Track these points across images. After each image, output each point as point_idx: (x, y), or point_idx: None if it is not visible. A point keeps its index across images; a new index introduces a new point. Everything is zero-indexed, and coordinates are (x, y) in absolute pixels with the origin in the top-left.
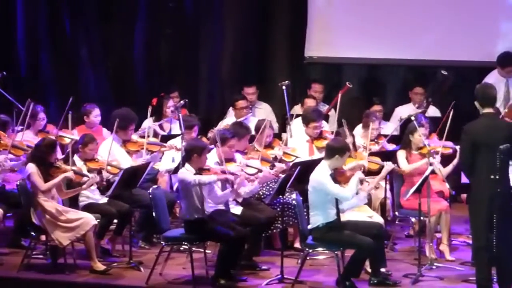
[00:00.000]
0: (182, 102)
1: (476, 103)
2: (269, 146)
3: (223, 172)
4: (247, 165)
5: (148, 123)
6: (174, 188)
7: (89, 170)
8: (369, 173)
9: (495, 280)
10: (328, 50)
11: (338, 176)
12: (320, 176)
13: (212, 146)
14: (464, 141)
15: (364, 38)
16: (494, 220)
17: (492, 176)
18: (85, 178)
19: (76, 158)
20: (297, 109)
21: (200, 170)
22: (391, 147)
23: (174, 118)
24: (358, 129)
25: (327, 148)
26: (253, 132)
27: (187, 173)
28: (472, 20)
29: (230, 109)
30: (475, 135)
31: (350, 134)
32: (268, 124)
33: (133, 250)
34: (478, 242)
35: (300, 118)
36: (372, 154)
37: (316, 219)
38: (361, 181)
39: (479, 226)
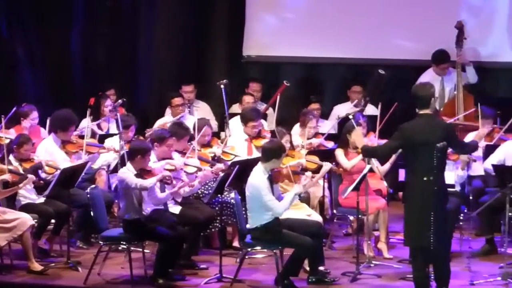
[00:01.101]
0: (120, 101)
1: (414, 103)
2: (207, 145)
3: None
4: (186, 164)
5: (86, 123)
6: (113, 187)
7: (25, 171)
8: (305, 170)
9: (432, 277)
10: (266, 49)
11: (275, 177)
12: (257, 182)
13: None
14: (394, 138)
15: (302, 37)
16: (432, 218)
17: (424, 178)
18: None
19: (11, 158)
20: (236, 108)
21: (141, 171)
22: (329, 145)
23: (111, 117)
24: (296, 128)
25: (263, 151)
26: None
27: (129, 174)
28: (409, 19)
29: (168, 108)
30: (412, 135)
31: (287, 133)
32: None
33: (71, 250)
34: (414, 242)
35: (238, 117)
36: (310, 153)
37: (255, 220)
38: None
39: (415, 225)
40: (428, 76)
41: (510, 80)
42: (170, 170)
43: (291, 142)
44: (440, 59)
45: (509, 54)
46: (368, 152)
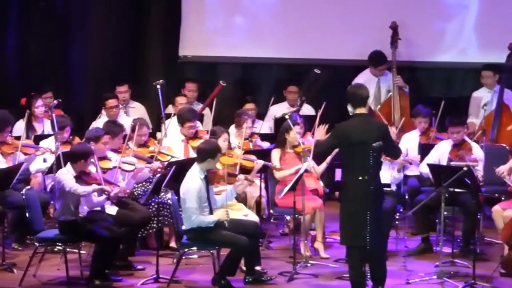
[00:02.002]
0: (55, 102)
1: (348, 104)
2: (144, 145)
3: (106, 181)
4: (123, 162)
5: (21, 124)
6: (48, 188)
7: None
8: (244, 171)
9: (368, 277)
10: (202, 49)
11: (212, 178)
12: (188, 185)
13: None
14: (330, 138)
15: (239, 37)
16: (368, 218)
17: (360, 178)
18: None
19: None
20: (172, 108)
21: (81, 173)
22: (265, 145)
23: (45, 118)
24: (233, 128)
25: (199, 151)
26: (128, 132)
27: (67, 176)
28: (345, 19)
29: (103, 109)
30: (348, 134)
31: (226, 131)
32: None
33: (6, 251)
34: (351, 241)
35: (175, 117)
36: (247, 152)
37: (190, 221)
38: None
39: (351, 224)
40: (364, 77)
41: (444, 80)
42: (106, 169)
43: (229, 141)
44: (377, 60)
45: (443, 54)
46: (315, 147)
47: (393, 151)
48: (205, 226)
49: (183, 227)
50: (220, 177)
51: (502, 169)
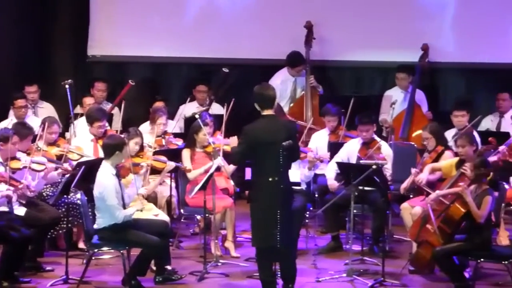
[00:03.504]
0: None
1: (255, 104)
2: (54, 144)
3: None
4: (33, 162)
5: None
6: None
7: None
8: (154, 171)
9: (279, 275)
10: (111, 48)
11: (122, 172)
12: (104, 183)
13: None
14: (242, 143)
15: (148, 37)
16: (278, 217)
17: (270, 179)
18: None
19: None
20: (80, 109)
21: None
22: (178, 141)
23: None
24: (144, 127)
25: (105, 147)
26: (37, 133)
27: None
28: (256, 19)
29: (11, 109)
30: (256, 135)
31: (139, 134)
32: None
33: None
34: (262, 242)
35: (84, 117)
36: (158, 152)
37: (103, 220)
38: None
39: (262, 225)
40: (281, 77)
41: (354, 78)
42: (15, 169)
43: (141, 145)
44: (295, 61)
45: (353, 53)
46: (236, 165)
47: (298, 153)
48: (127, 220)
49: (96, 226)
50: (127, 169)
51: (421, 179)
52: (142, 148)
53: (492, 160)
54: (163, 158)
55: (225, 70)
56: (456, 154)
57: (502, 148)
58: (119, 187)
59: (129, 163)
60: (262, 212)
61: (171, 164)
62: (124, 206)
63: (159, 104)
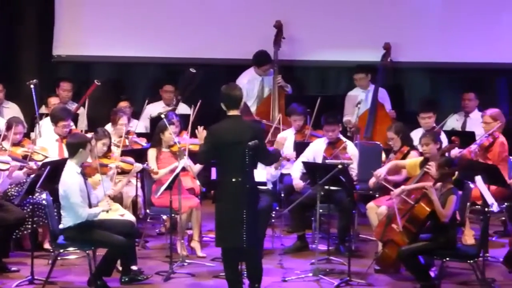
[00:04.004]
0: None
1: (222, 104)
2: (18, 144)
3: None
4: None
5: None
6: None
7: None
8: (121, 172)
9: (245, 275)
10: (76, 48)
11: (87, 172)
12: (68, 182)
13: None
14: (206, 143)
15: (113, 37)
16: (244, 217)
17: (234, 179)
18: None
19: None
20: (45, 109)
21: None
22: (142, 141)
23: None
24: (109, 127)
25: (68, 146)
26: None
27: None
28: (221, 18)
29: None
30: (221, 136)
31: (107, 135)
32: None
33: None
34: (227, 242)
35: (49, 117)
36: (124, 152)
37: (68, 219)
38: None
39: (227, 225)
40: (248, 76)
41: (320, 78)
42: None
43: (109, 146)
44: (262, 60)
45: (319, 52)
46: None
47: (265, 157)
48: (92, 219)
49: (61, 226)
50: (93, 169)
51: (379, 172)
52: (109, 149)
53: (462, 152)
54: (131, 159)
55: (192, 70)
56: (421, 154)
57: (474, 147)
58: (84, 185)
59: (96, 163)
60: (225, 213)
61: (139, 166)
62: (90, 206)
63: (123, 104)
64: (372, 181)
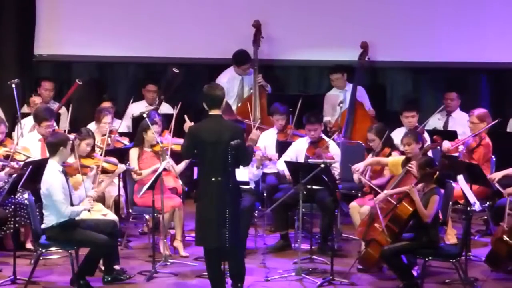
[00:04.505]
0: None
1: (204, 103)
2: (0, 144)
3: None
4: None
5: None
6: None
7: None
8: (104, 172)
9: (228, 274)
10: (57, 47)
11: (68, 171)
12: (51, 180)
13: None
14: (186, 141)
15: (94, 36)
16: (226, 217)
17: (213, 179)
18: None
19: None
20: (27, 108)
21: None
22: (124, 140)
23: None
24: (91, 127)
25: (49, 145)
26: None
27: None
28: (202, 17)
29: None
30: (201, 135)
31: (92, 135)
32: None
33: None
34: (208, 242)
35: (31, 117)
36: (106, 152)
37: (50, 218)
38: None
39: (208, 224)
40: (228, 75)
41: (302, 78)
42: None
43: (93, 146)
44: (241, 59)
45: (300, 52)
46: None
47: (244, 156)
48: (74, 217)
49: (43, 225)
50: (74, 169)
51: (358, 167)
52: (93, 149)
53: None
54: (114, 160)
55: (175, 70)
56: (403, 154)
57: (461, 148)
58: (66, 184)
59: (77, 163)
60: (205, 212)
61: (122, 167)
62: (72, 205)
63: (106, 104)
64: (356, 177)
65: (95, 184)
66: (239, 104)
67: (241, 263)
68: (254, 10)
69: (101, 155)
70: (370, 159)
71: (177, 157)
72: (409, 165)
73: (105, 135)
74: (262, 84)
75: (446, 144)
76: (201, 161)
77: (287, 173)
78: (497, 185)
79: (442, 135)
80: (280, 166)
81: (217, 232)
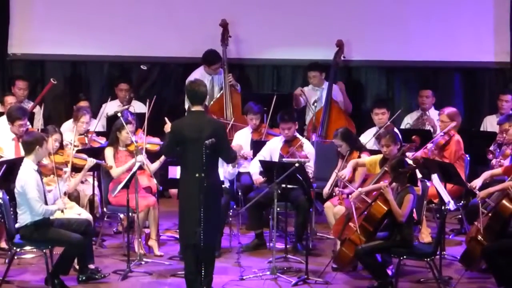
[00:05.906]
0: None
1: (186, 100)
2: None
3: None
4: None
5: None
6: None
7: None
8: (75, 169)
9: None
10: (31, 46)
11: (43, 171)
12: (25, 177)
13: None
14: (168, 138)
15: (67, 35)
16: (202, 215)
17: (197, 175)
18: None
19: None
20: (1, 107)
21: None
22: (102, 140)
23: None
24: (67, 125)
25: (24, 144)
26: None
27: None
28: (172, 16)
29: None
30: (182, 131)
31: (58, 131)
32: None
33: None
34: (187, 240)
35: (4, 116)
36: (80, 151)
37: (24, 217)
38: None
39: (187, 221)
40: (198, 75)
41: (274, 76)
42: None
43: (61, 142)
44: (211, 59)
45: (272, 50)
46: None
47: (226, 153)
48: (48, 216)
49: (18, 224)
50: (49, 169)
51: (343, 174)
52: (62, 145)
53: (416, 155)
54: (83, 155)
55: (144, 67)
56: (372, 154)
57: (430, 146)
58: (41, 183)
59: (52, 164)
60: (188, 209)
61: (92, 160)
62: (46, 204)
63: (83, 104)
64: (325, 191)
65: (66, 183)
66: (211, 103)
67: (210, 267)
68: (224, 9)
69: (76, 153)
70: (350, 165)
71: (151, 156)
72: (387, 165)
73: (82, 134)
74: (232, 83)
75: (409, 154)
76: (184, 157)
77: (255, 177)
78: (477, 192)
79: (417, 134)
80: (252, 169)
81: (193, 230)
